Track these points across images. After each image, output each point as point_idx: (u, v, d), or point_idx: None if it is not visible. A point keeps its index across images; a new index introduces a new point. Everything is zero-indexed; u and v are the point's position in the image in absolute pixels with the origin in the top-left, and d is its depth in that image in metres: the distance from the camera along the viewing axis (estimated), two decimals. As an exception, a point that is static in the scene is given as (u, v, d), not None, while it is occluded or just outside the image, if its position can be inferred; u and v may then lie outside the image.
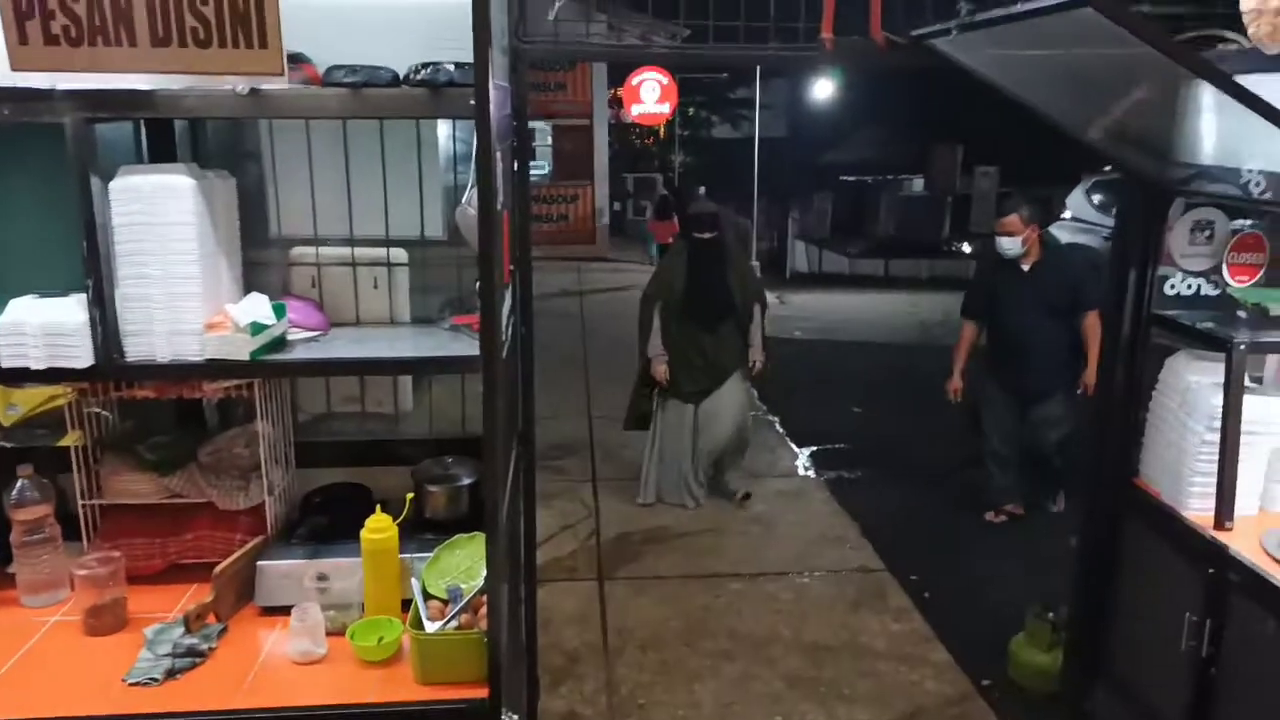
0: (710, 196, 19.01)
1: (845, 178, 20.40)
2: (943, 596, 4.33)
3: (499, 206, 1.77)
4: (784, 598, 4.37)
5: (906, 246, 16.55)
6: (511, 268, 2.22)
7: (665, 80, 13.07)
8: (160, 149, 2.18)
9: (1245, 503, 2.54)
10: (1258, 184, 2.35)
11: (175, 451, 2.24)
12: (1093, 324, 4.71)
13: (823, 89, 20.54)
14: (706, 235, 5.22)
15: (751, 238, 16.31)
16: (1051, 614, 3.50)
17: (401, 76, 1.91)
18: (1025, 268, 4.84)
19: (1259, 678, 2.29)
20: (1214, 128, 2.42)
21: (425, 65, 1.89)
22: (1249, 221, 2.69)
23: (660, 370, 5.23)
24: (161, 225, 1.86)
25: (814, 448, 6.47)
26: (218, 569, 2.03)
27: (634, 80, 13.22)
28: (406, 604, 1.97)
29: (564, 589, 4.42)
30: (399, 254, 2.33)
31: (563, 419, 6.99)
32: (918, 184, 19.85)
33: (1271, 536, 2.40)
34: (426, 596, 1.92)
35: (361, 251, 2.33)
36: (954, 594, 4.35)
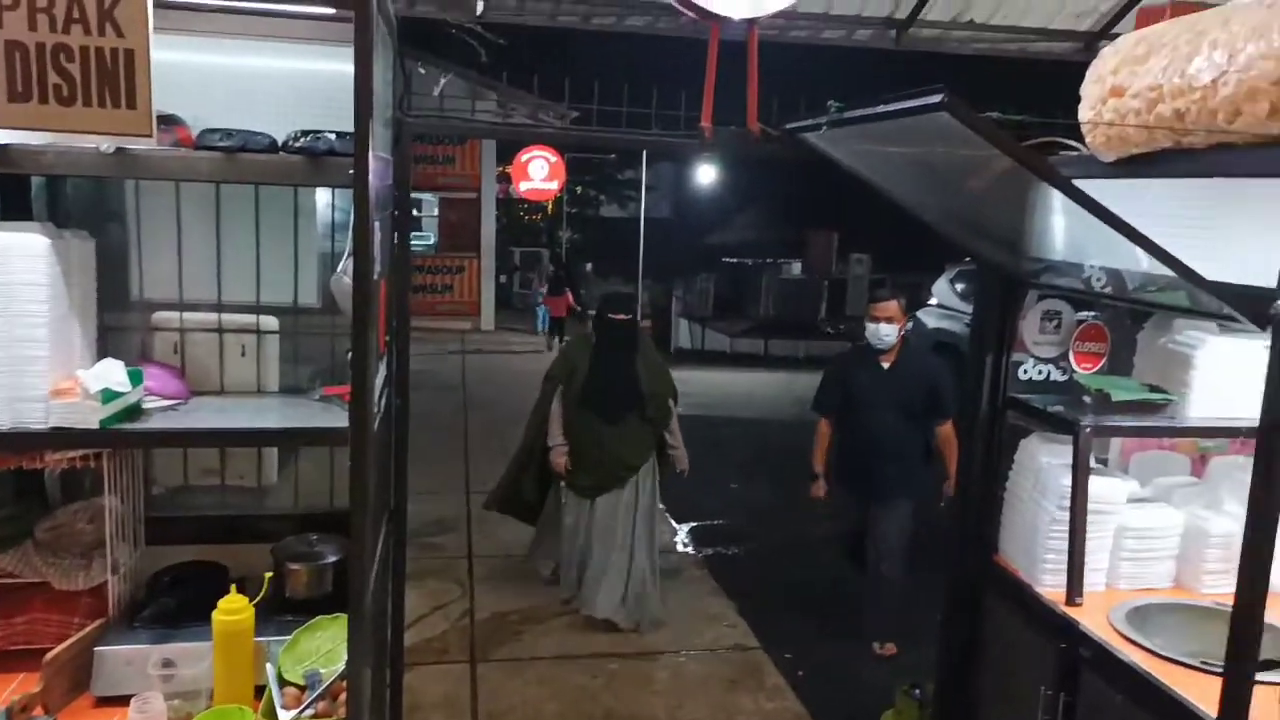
0: (597, 273, 19.35)
1: (728, 259, 21.08)
2: (816, 674, 4.37)
3: (375, 276, 1.75)
4: (661, 677, 4.33)
5: (785, 327, 17.13)
6: (387, 338, 2.19)
7: (554, 159, 13.30)
8: (14, 206, 2.07)
9: (1094, 579, 2.67)
10: (1099, 278, 2.55)
11: (10, 527, 2.07)
12: (948, 434, 4.54)
13: (706, 174, 21.28)
14: (620, 317, 4.80)
15: (637, 314, 16.55)
16: (918, 690, 3.57)
17: (281, 143, 1.88)
18: (885, 365, 4.61)
19: (1108, 750, 2.38)
20: (1060, 226, 2.61)
21: (305, 133, 1.87)
22: (1092, 313, 2.90)
23: (559, 461, 4.79)
24: (9, 285, 1.76)
25: (693, 524, 6.50)
26: (49, 655, 1.88)
27: (523, 157, 13.41)
28: (261, 691, 1.86)
29: (434, 672, 4.26)
30: (270, 321, 2.27)
31: (441, 495, 6.82)
32: (796, 267, 20.67)
33: (1118, 612, 2.52)
34: (282, 683, 1.82)
35: (229, 318, 2.25)
36: (827, 672, 4.40)
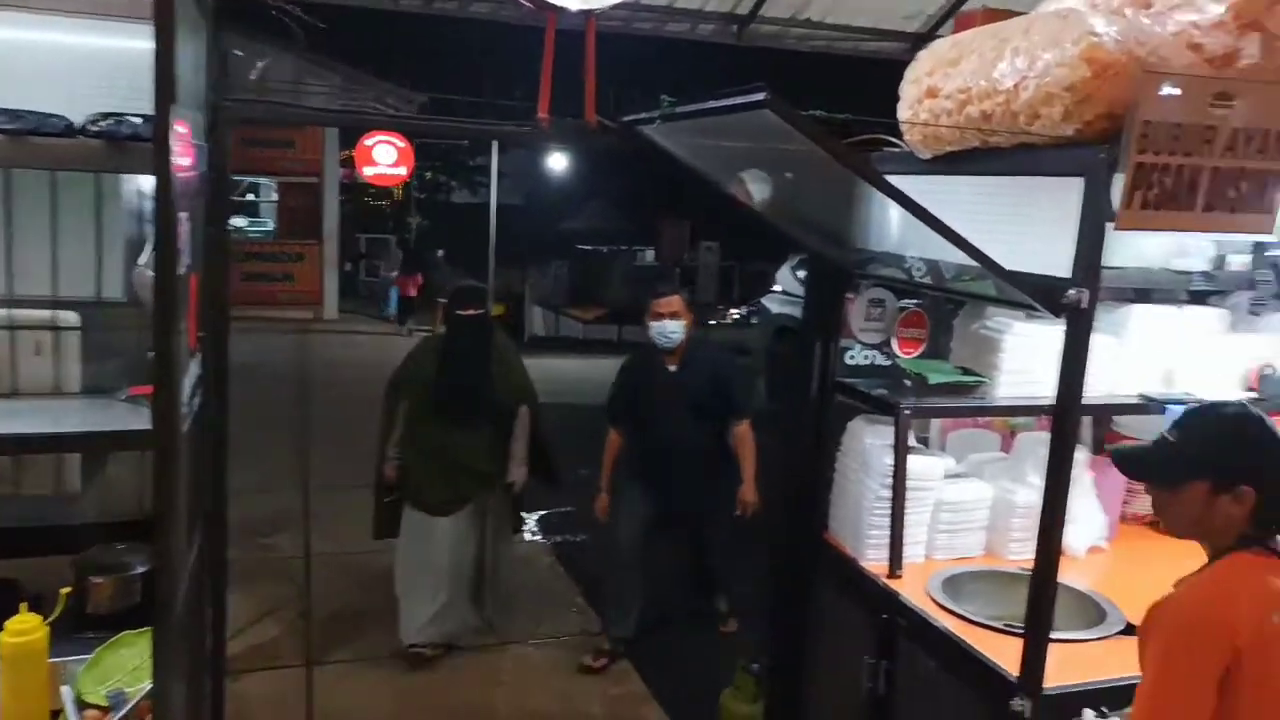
0: (449, 260, 18.99)
1: (582, 246, 21.11)
2: (660, 656, 4.44)
3: (183, 269, 1.65)
4: (507, 668, 4.31)
5: (638, 314, 17.25)
6: (201, 334, 2.07)
7: (401, 144, 12.90)
8: None
9: (914, 551, 2.83)
10: (918, 269, 2.69)
11: None
12: (744, 434, 4.33)
13: (559, 161, 21.19)
14: (471, 312, 4.32)
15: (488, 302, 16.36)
16: (756, 666, 3.69)
17: (79, 126, 1.75)
18: (673, 367, 4.29)
19: (924, 714, 2.54)
20: (882, 219, 2.74)
21: (107, 116, 1.75)
22: (914, 301, 3.05)
23: (388, 472, 4.36)
24: None
25: (542, 511, 6.49)
26: None
27: (368, 141, 12.94)
28: (58, 716, 1.73)
29: (266, 679, 4.08)
30: (69, 316, 2.10)
31: (277, 491, 6.52)
32: (649, 255, 20.92)
33: (934, 581, 2.68)
34: (82, 706, 1.70)
35: (22, 313, 2.07)
36: (670, 653, 4.48)
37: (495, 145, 15.96)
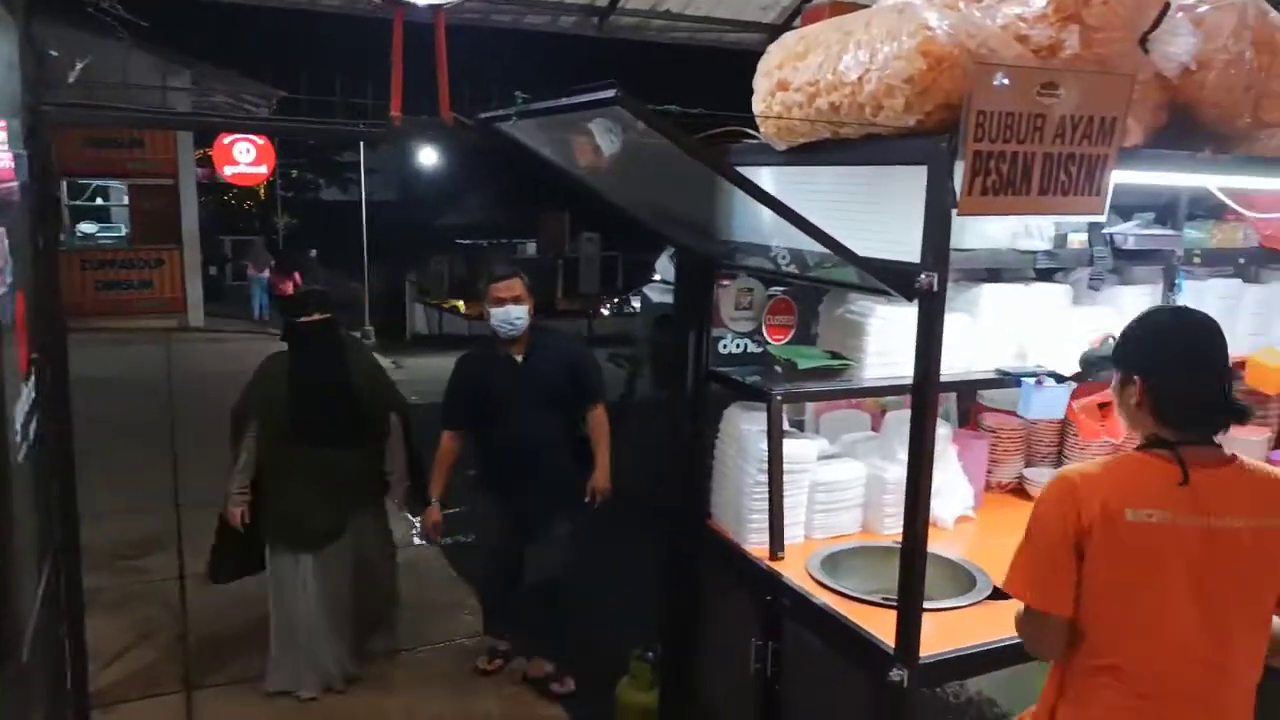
0: (321, 260, 18.39)
1: (461, 241, 20.80)
2: (554, 652, 4.41)
3: (3, 288, 1.54)
4: (399, 678, 4.22)
5: (524, 307, 17.15)
6: (34, 355, 1.94)
7: (260, 141, 12.40)
8: None
9: (794, 532, 2.90)
10: (784, 257, 2.75)
11: None
12: (599, 420, 4.10)
13: (431, 156, 20.78)
14: (314, 319, 3.89)
15: (364, 302, 15.96)
16: (650, 654, 3.72)
17: None
18: (518, 357, 3.99)
19: (811, 691, 2.61)
20: (746, 210, 2.79)
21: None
22: (781, 289, 3.12)
23: (234, 514, 3.88)
24: None
25: (432, 515, 6.37)
26: None
27: (225, 140, 12.39)
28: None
29: (143, 707, 3.90)
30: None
31: (147, 511, 6.23)
32: (531, 248, 20.79)
33: (814, 560, 2.76)
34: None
35: None
36: (569, 646, 4.46)
37: (361, 142, 15.58)
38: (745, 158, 2.76)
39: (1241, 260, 3.32)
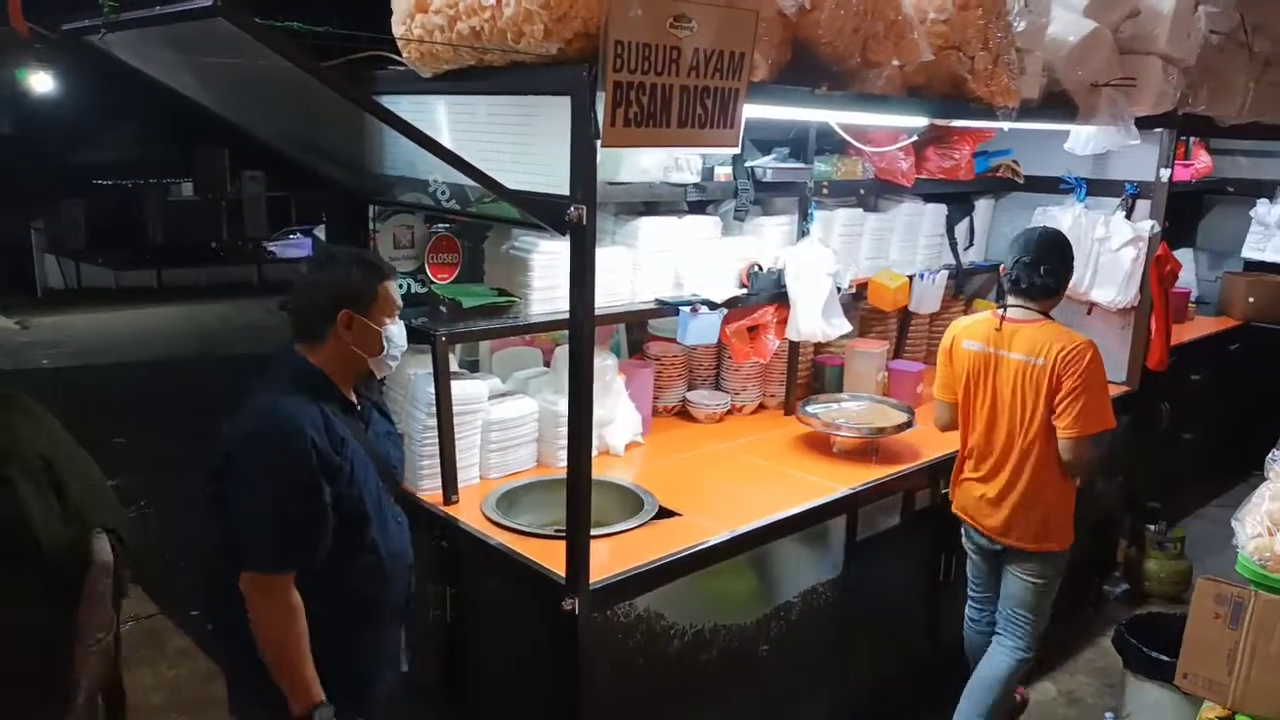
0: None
1: (101, 181, 18.34)
2: (229, 624, 4.09)
3: None
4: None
5: (181, 254, 15.59)
6: None
7: None
8: None
9: (469, 474, 2.86)
10: (443, 193, 2.64)
11: None
12: None
13: (48, 81, 17.98)
14: None
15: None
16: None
17: None
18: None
19: (493, 631, 2.61)
20: (399, 142, 2.63)
21: None
22: (444, 225, 3.02)
23: None
24: None
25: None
26: None
27: None
28: None
29: None
30: None
31: None
32: (188, 188, 18.76)
33: (489, 501, 2.74)
34: None
35: None
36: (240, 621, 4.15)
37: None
38: (392, 85, 2.60)
39: (861, 191, 3.68)
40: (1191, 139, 5.08)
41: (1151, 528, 4.26)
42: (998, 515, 2.96)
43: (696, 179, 3.07)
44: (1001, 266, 3.03)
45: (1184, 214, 5.49)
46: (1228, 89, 4.20)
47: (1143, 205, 4.02)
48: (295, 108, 2.38)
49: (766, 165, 3.21)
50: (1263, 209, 5.43)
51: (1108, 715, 2.47)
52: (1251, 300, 5.49)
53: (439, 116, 2.59)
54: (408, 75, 2.48)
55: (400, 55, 2.44)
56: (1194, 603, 2.15)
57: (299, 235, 16.69)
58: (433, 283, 2.96)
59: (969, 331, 3.00)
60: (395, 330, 2.09)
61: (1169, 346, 4.10)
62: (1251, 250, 5.49)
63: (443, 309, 2.83)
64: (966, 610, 3.25)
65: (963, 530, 3.13)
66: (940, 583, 3.34)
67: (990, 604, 3.13)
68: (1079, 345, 2.79)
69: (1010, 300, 2.94)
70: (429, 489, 2.76)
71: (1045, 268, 2.86)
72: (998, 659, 3.02)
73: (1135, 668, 3.04)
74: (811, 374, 3.80)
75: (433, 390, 2.70)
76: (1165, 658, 2.82)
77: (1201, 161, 5.17)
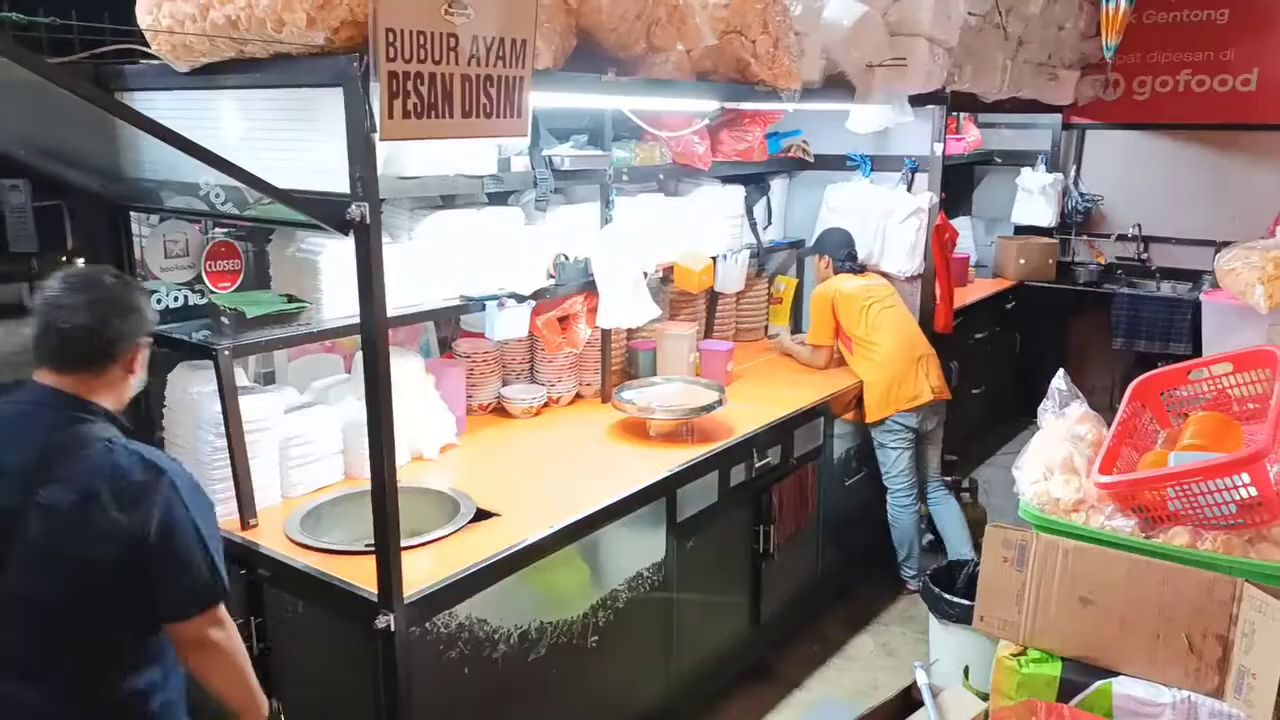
0: None
1: None
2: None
3: None
4: None
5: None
6: None
7: None
8: None
9: (269, 495, 2.68)
10: (217, 195, 2.44)
11: None
12: None
13: None
14: None
15: None
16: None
17: None
18: None
19: (304, 660, 2.46)
20: (156, 142, 2.41)
21: None
22: (222, 230, 2.80)
23: None
24: None
25: None
26: None
27: None
28: None
29: None
30: None
31: None
32: (-66, 201, 16.74)
33: (292, 521, 2.57)
34: None
35: None
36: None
37: None
38: (145, 81, 2.38)
39: (661, 176, 3.72)
40: (962, 115, 5.45)
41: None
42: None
43: (494, 170, 2.99)
44: (821, 258, 4.15)
45: (959, 185, 5.91)
46: (988, 67, 4.52)
47: (921, 178, 4.28)
48: (35, 109, 2.13)
49: (564, 154, 3.17)
50: (1026, 176, 5.92)
51: (915, 664, 2.61)
52: (1022, 262, 5.97)
53: (209, 114, 2.40)
54: (162, 70, 2.27)
55: (151, 48, 2.23)
56: (984, 548, 2.29)
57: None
58: (213, 292, 2.74)
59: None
60: None
61: (954, 309, 4.39)
62: (1019, 215, 5.98)
63: (225, 320, 2.62)
64: (905, 501, 4.06)
65: (898, 427, 3.94)
66: (760, 554, 3.44)
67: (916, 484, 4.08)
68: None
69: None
70: (224, 515, 2.55)
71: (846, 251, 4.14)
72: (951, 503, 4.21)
73: (940, 615, 3.23)
74: (626, 360, 3.81)
75: (219, 409, 2.51)
76: (966, 602, 3.01)
77: (972, 135, 5.57)
